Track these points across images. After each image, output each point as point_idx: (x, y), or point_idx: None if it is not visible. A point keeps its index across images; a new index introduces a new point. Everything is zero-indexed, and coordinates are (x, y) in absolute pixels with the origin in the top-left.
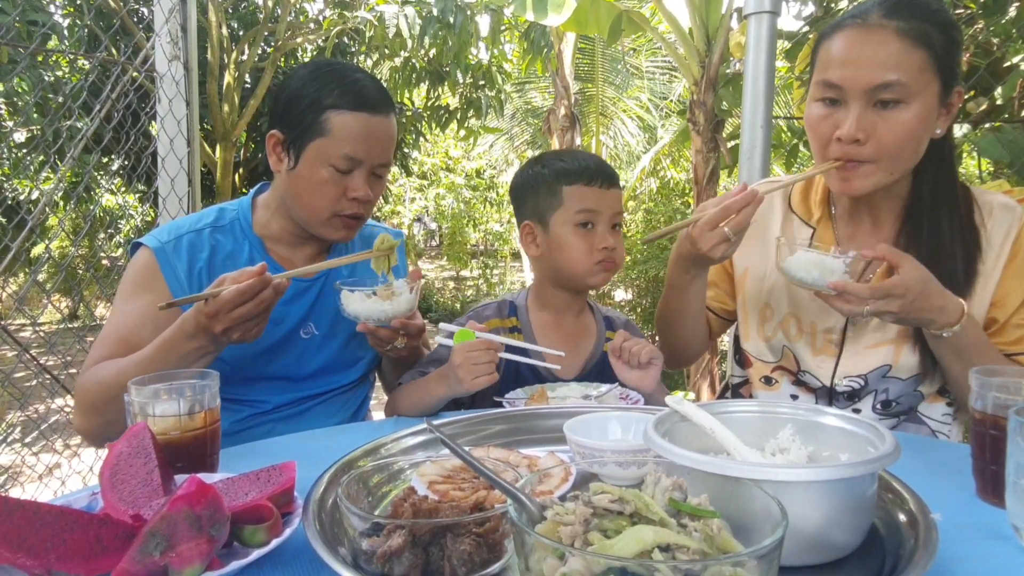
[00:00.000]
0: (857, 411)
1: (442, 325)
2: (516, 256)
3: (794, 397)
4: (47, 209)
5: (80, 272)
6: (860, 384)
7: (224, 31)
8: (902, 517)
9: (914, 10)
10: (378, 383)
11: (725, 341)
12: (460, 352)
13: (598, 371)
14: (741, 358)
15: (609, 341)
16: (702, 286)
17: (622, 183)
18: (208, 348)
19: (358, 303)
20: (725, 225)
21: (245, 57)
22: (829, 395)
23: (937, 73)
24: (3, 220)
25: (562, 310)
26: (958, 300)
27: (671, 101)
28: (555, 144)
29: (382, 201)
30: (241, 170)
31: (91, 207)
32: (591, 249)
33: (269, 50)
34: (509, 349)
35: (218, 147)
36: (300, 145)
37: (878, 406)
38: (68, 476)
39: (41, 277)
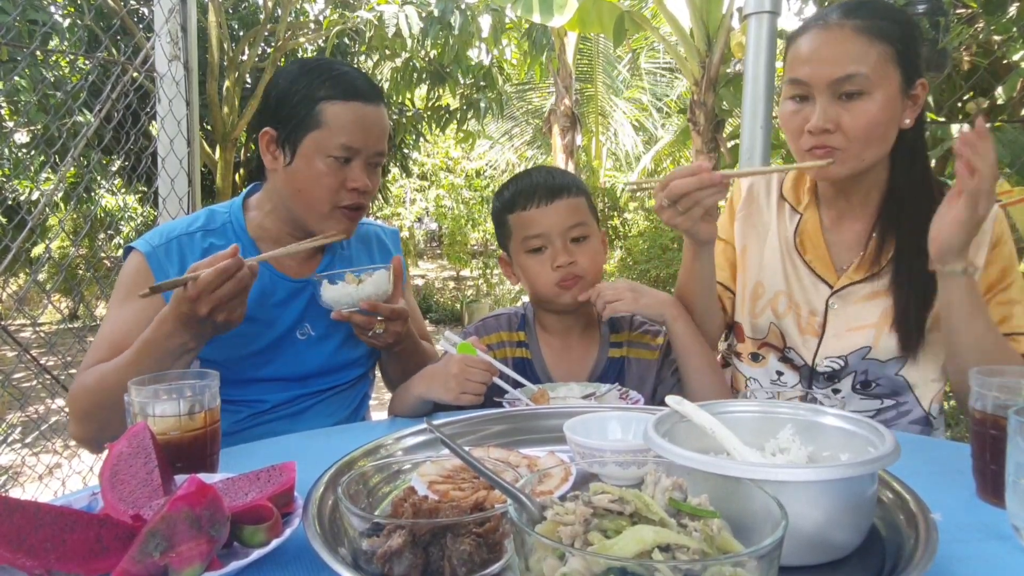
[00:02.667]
0: (837, 391)
1: (447, 334)
2: None
3: (779, 373)
4: (47, 209)
5: (80, 272)
6: (840, 365)
7: (224, 31)
8: (902, 517)
9: (869, 10)
10: (379, 381)
11: None
12: (459, 362)
13: (601, 380)
14: (735, 330)
15: (613, 346)
16: (705, 265)
17: (621, 185)
18: (189, 344)
19: (328, 290)
20: (661, 190)
21: (245, 57)
22: (811, 374)
23: (897, 65)
24: (3, 220)
25: (564, 331)
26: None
27: (671, 100)
28: (556, 143)
29: (383, 202)
30: (241, 170)
31: (91, 207)
32: (547, 271)
33: (269, 50)
34: (503, 376)
35: (218, 147)
36: (295, 140)
37: (858, 386)
38: (68, 476)
39: (41, 277)
